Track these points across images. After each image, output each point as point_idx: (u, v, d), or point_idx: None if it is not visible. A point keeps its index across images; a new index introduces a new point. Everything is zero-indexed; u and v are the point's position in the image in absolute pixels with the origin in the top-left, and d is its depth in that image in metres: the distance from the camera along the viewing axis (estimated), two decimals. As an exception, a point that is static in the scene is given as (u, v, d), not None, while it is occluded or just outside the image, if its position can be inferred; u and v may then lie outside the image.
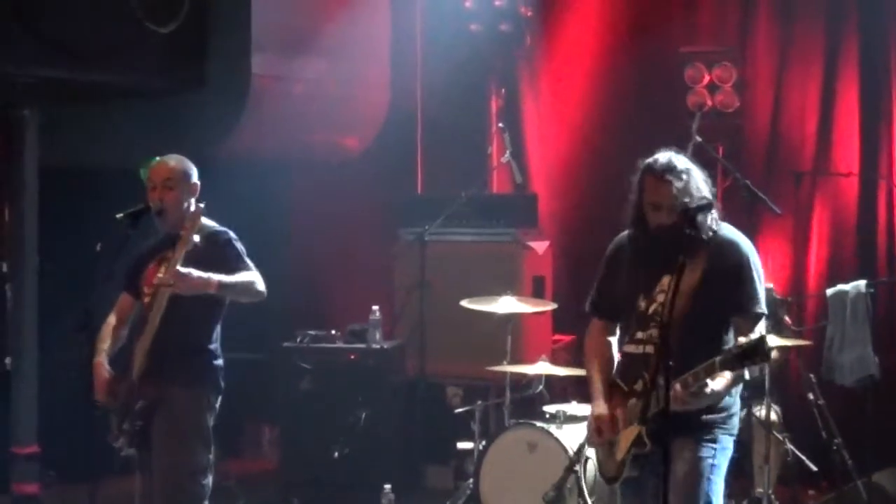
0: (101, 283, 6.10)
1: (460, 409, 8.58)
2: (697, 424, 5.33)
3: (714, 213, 5.40)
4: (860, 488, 7.97)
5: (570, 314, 9.69)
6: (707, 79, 9.47)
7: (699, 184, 5.40)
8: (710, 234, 5.37)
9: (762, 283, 5.40)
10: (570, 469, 7.18)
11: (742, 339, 5.03)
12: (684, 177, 5.38)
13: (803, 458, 8.02)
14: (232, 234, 6.31)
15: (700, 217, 5.30)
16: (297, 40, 9.57)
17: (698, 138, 8.73)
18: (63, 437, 7.91)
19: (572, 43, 10.32)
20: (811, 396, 8.19)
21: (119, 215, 6.14)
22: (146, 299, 6.23)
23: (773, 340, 7.57)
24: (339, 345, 9.26)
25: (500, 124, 10.00)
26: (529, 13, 10.46)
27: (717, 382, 5.15)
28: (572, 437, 7.48)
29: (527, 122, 10.52)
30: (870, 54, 9.32)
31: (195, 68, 9.02)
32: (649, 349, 5.34)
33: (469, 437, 8.33)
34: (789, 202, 9.09)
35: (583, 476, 7.26)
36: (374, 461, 8.93)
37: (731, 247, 5.40)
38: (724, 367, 5.07)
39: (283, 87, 9.48)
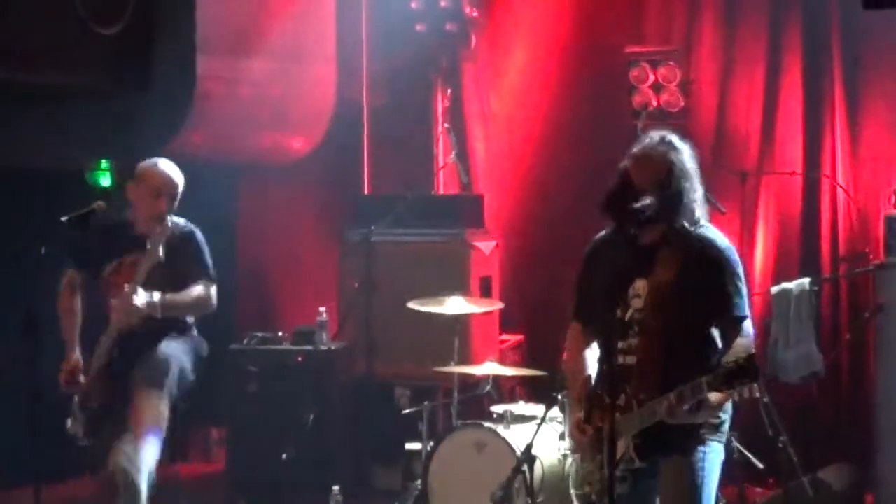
0: (44, 286, 6.11)
1: (408, 410, 8.56)
2: (689, 437, 5.13)
3: (697, 209, 5.10)
4: (806, 485, 8.02)
5: (517, 314, 9.74)
6: (652, 79, 9.50)
7: (685, 170, 5.08)
8: (688, 230, 5.09)
9: (743, 284, 5.11)
10: (517, 469, 7.20)
11: (730, 358, 4.82)
12: (671, 151, 5.08)
13: (749, 455, 8.07)
14: (198, 235, 6.47)
15: (676, 206, 5.03)
16: (242, 41, 9.53)
17: (644, 138, 8.76)
18: (7, 442, 7.83)
19: (517, 43, 10.33)
20: (756, 394, 8.23)
21: (64, 218, 6.14)
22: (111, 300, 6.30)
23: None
24: (287, 346, 9.22)
25: (446, 125, 10.02)
26: (475, 13, 10.46)
27: (714, 396, 4.90)
28: (520, 437, 7.49)
29: (472, 123, 10.52)
30: (812, 54, 9.40)
31: (140, 69, 8.96)
32: (629, 360, 5.10)
33: (417, 438, 8.32)
34: (734, 201, 9.14)
35: (530, 476, 7.27)
36: (322, 462, 8.91)
37: (709, 244, 5.10)
38: (712, 387, 4.82)
39: (228, 88, 9.44)
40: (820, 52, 9.37)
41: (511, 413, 7.84)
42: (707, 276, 5.05)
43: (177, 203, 6.62)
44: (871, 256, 8.70)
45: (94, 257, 6.53)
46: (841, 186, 9.18)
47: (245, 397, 9.09)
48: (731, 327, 5.05)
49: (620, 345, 5.11)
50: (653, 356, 5.03)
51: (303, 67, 10.07)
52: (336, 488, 8.45)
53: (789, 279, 8.60)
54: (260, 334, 9.27)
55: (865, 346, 8.74)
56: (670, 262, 5.05)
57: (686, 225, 5.08)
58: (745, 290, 5.12)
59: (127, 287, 6.17)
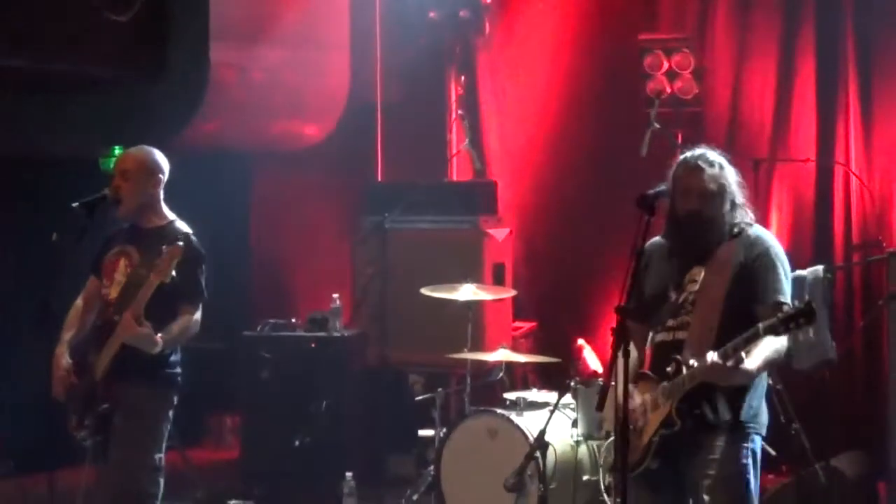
0: (57, 273, 6.09)
1: (421, 397, 8.57)
2: (729, 425, 5.44)
3: (746, 210, 5.62)
4: (819, 472, 8.01)
5: (530, 301, 9.73)
6: (666, 66, 9.48)
7: (731, 178, 5.60)
8: (741, 228, 5.56)
9: (787, 277, 5.54)
10: (530, 455, 7.20)
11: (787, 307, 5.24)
12: (716, 167, 5.56)
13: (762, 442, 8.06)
14: (195, 243, 6.32)
15: (729, 207, 5.54)
16: (256, 28, 9.54)
17: (657, 125, 8.78)
18: (21, 428, 7.89)
19: (531, 30, 10.32)
20: (770, 381, 8.22)
21: (75, 204, 6.13)
22: (104, 291, 6.25)
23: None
24: (300, 333, 9.24)
25: (460, 112, 10.01)
26: (489, 0, 10.45)
27: (753, 361, 5.28)
28: (533, 423, 7.50)
29: (486, 110, 10.51)
30: (826, 42, 9.36)
31: (154, 57, 8.97)
32: (680, 335, 5.49)
33: (430, 425, 8.33)
34: (748, 188, 9.12)
35: (543, 462, 7.28)
36: (335, 449, 8.93)
37: (758, 241, 5.56)
38: (768, 332, 5.20)
39: (242, 75, 9.45)
40: (833, 38, 9.32)
41: (524, 400, 7.85)
42: (757, 269, 5.49)
43: (151, 189, 6.35)
44: (884, 244, 8.69)
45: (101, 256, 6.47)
46: (854, 174, 9.15)
47: (258, 384, 9.11)
48: (774, 311, 5.33)
49: (671, 322, 5.54)
50: (706, 328, 5.41)
51: (316, 54, 10.07)
52: (349, 475, 8.48)
53: (802, 266, 8.58)
54: (273, 321, 9.28)
55: (879, 334, 8.72)
56: (727, 254, 5.51)
57: (738, 226, 5.58)
58: (788, 281, 5.55)
59: (126, 263, 6.08)
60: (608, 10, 10.00)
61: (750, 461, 5.48)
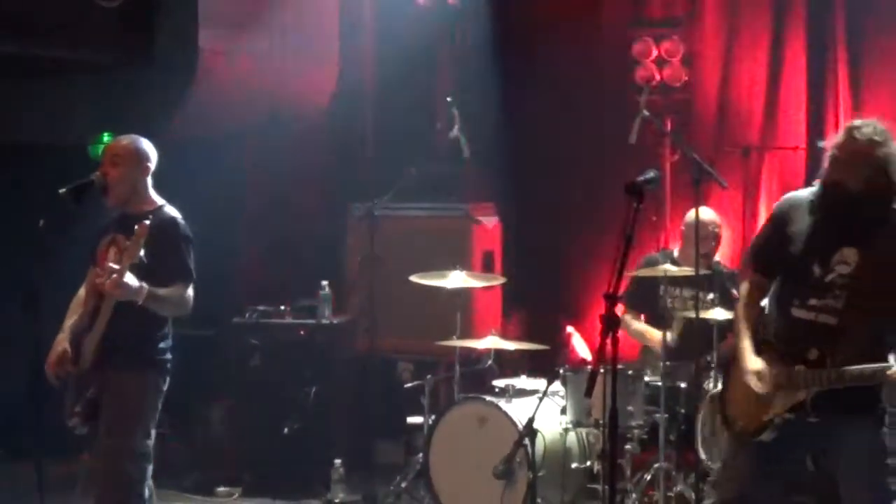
0: (44, 260, 6.07)
1: (410, 384, 8.57)
2: (870, 405, 5.31)
3: None
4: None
5: (519, 288, 9.72)
6: (655, 53, 9.50)
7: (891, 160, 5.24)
8: None
9: None
10: (519, 443, 7.20)
11: None
12: (886, 148, 5.22)
13: (751, 430, 8.06)
14: (182, 226, 6.31)
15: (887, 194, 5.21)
16: (244, 14, 9.50)
17: (646, 112, 8.76)
18: (10, 415, 7.86)
19: (521, 17, 10.30)
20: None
21: (62, 190, 6.12)
22: (97, 281, 6.23)
23: (722, 314, 7.63)
24: (289, 320, 9.23)
25: (449, 99, 9.98)
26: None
27: None
28: (522, 411, 7.49)
29: (475, 97, 10.48)
30: (816, 29, 9.37)
31: (142, 43, 8.93)
32: (823, 318, 5.28)
33: (419, 412, 8.33)
34: (737, 176, 9.15)
35: (532, 449, 7.28)
36: (324, 436, 8.93)
37: None
38: None
39: (230, 61, 9.41)
40: (823, 25, 9.33)
41: (513, 387, 7.85)
42: None
43: (140, 177, 6.37)
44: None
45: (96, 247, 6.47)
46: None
47: (247, 371, 9.10)
48: None
49: (815, 302, 5.32)
50: (860, 322, 5.21)
51: (306, 40, 10.03)
52: (338, 462, 8.48)
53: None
54: (262, 308, 9.26)
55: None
56: (889, 242, 5.22)
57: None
58: None
59: (115, 266, 6.04)
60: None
61: (887, 457, 5.38)
